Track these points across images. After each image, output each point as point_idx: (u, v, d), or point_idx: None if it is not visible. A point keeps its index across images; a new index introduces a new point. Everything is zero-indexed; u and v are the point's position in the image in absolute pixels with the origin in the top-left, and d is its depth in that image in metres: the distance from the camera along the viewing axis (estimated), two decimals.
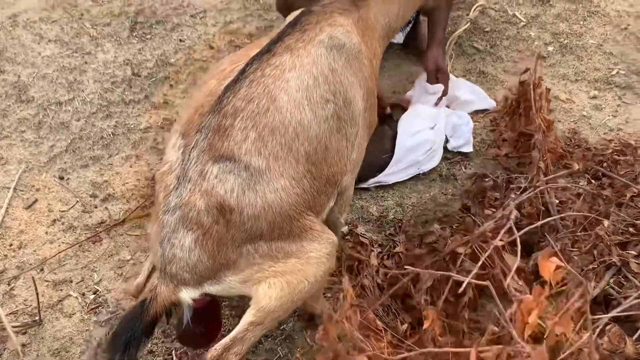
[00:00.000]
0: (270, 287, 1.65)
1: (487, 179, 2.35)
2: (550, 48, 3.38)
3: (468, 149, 2.81)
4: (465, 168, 2.77)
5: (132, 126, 2.84)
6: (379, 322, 1.65)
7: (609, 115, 3.00)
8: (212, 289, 1.67)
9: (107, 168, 2.69)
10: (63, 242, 2.43)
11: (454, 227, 2.13)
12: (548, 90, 2.62)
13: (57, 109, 2.87)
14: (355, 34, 1.86)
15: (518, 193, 2.13)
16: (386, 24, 2.03)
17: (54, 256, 2.35)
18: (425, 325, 1.65)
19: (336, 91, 1.77)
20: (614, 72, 3.23)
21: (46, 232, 2.46)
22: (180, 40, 3.22)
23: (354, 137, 1.86)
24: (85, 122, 2.82)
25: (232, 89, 1.68)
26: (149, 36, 3.26)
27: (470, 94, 3.02)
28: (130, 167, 2.70)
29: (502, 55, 3.32)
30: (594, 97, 3.10)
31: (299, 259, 1.68)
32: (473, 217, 2.22)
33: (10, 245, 2.41)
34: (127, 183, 2.64)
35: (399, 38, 3.29)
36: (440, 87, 2.79)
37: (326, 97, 1.75)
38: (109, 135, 2.79)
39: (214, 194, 1.59)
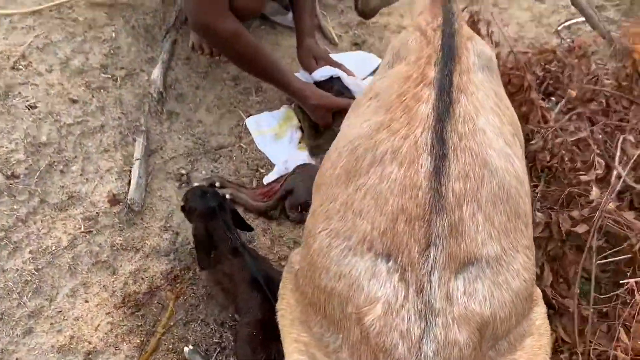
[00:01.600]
0: None
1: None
2: None
3: None
4: None
5: (51, 247, 2.04)
6: None
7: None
8: None
9: (60, 319, 1.93)
10: None
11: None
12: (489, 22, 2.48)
13: None
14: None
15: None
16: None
17: None
18: None
19: (510, 120, 1.41)
20: None
21: None
22: (30, 107, 2.34)
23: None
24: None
25: (443, 172, 1.21)
26: None
27: (355, 62, 2.71)
28: (86, 301, 1.98)
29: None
30: None
31: (532, 335, 1.35)
32: None
33: None
34: (99, 325, 1.94)
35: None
36: (351, 79, 2.46)
37: (512, 131, 1.38)
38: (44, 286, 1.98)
39: (470, 316, 1.17)
